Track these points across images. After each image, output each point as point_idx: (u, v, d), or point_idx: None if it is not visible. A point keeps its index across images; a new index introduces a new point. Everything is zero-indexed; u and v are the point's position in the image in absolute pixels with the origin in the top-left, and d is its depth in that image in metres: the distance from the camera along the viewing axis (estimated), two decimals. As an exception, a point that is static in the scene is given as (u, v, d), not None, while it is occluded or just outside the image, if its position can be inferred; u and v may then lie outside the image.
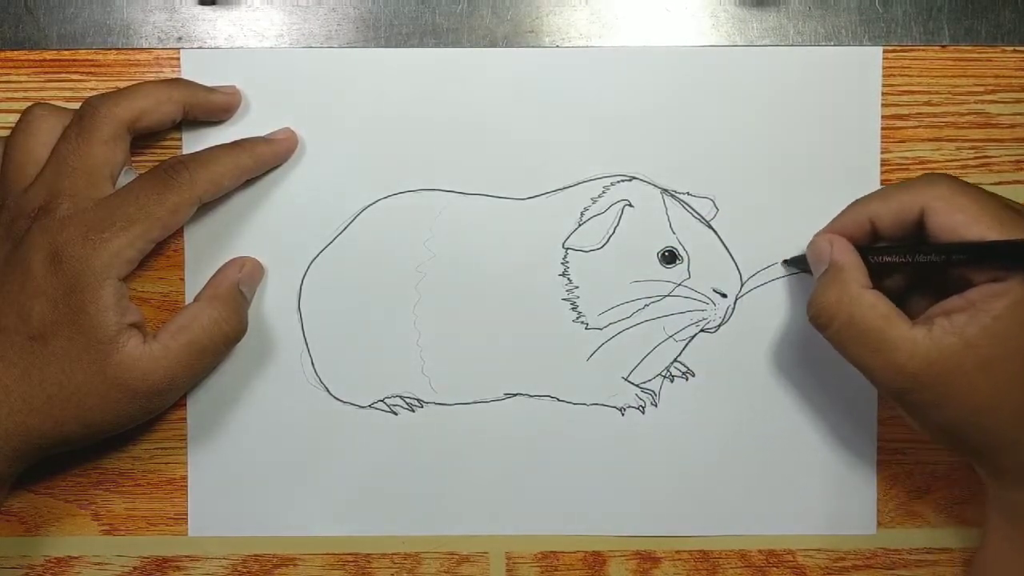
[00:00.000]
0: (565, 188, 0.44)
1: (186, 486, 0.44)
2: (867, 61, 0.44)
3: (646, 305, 0.44)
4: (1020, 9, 0.44)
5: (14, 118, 0.41)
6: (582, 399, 0.44)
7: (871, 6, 0.44)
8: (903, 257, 0.38)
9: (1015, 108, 0.44)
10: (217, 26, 0.44)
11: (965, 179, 0.43)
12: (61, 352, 0.38)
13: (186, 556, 0.44)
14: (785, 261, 0.43)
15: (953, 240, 0.36)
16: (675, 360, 0.44)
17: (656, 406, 0.44)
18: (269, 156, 0.43)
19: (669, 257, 0.43)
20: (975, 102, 0.44)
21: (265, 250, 0.44)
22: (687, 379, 0.44)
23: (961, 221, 0.36)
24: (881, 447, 0.44)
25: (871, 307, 0.37)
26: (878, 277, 0.39)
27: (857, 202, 0.40)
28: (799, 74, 0.44)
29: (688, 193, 0.44)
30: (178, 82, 0.42)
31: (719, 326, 0.44)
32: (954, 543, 0.44)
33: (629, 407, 0.44)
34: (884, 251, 0.39)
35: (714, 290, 0.44)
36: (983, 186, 0.44)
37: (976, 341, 0.35)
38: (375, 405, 0.44)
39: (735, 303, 0.44)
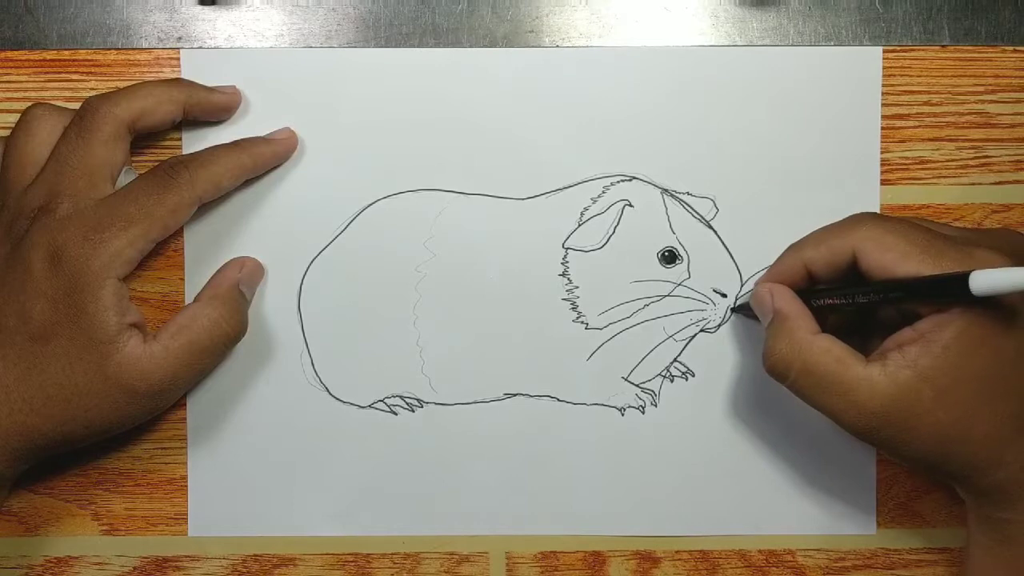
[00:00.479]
0: (565, 188, 0.44)
1: (186, 486, 0.44)
2: (867, 61, 0.44)
3: (646, 305, 0.44)
4: (1020, 9, 0.44)
5: (14, 118, 0.41)
6: (582, 399, 0.44)
7: (871, 6, 0.44)
8: (843, 299, 0.38)
9: (1015, 108, 0.44)
10: (217, 26, 0.44)
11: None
12: (61, 352, 0.38)
13: (186, 556, 0.44)
14: (734, 308, 0.43)
15: (886, 278, 0.36)
16: (675, 360, 0.44)
17: (656, 406, 0.44)
18: (269, 156, 0.43)
19: (669, 257, 0.43)
20: (975, 102, 0.44)
21: (265, 250, 0.44)
22: (687, 379, 0.44)
23: (891, 259, 0.36)
24: (881, 447, 0.44)
25: (824, 352, 0.37)
26: (824, 319, 0.39)
27: (791, 248, 0.40)
28: (799, 74, 0.44)
29: (688, 193, 0.44)
30: (178, 82, 0.42)
31: (719, 326, 0.44)
32: (954, 543, 0.44)
33: (629, 407, 0.44)
34: (823, 294, 0.39)
35: (714, 290, 0.44)
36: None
37: (930, 373, 0.35)
38: (375, 405, 0.44)
39: (735, 303, 0.44)
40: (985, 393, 0.35)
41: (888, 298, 0.36)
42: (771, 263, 0.42)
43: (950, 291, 0.34)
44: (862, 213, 0.39)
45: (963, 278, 0.33)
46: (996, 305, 0.35)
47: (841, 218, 0.40)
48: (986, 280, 0.32)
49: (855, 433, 0.37)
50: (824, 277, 0.39)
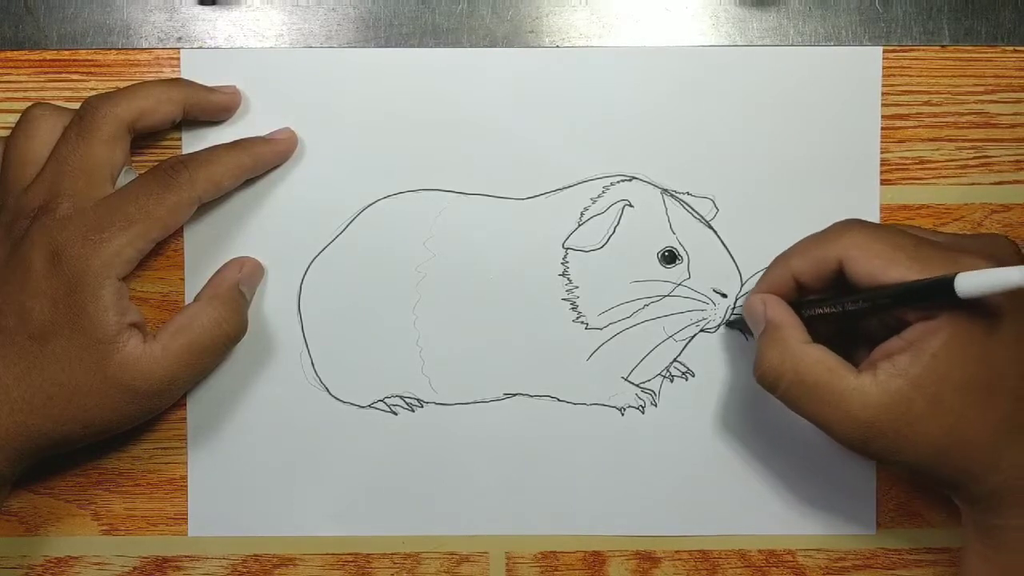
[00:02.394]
0: (565, 188, 0.44)
1: (186, 486, 0.44)
2: (867, 61, 0.44)
3: (646, 305, 0.44)
4: (1020, 9, 0.44)
5: (14, 118, 0.41)
6: (582, 399, 0.44)
7: (871, 6, 0.44)
8: (832, 308, 0.38)
9: (1015, 108, 0.44)
10: (217, 26, 0.44)
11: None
12: (61, 352, 0.38)
13: (186, 556, 0.44)
14: (726, 323, 0.43)
15: (873, 285, 0.36)
16: (675, 360, 0.44)
17: (656, 406, 0.44)
18: (269, 156, 0.43)
19: (669, 257, 0.43)
20: (975, 102, 0.44)
21: (265, 250, 0.44)
22: (687, 379, 0.44)
23: (878, 266, 0.36)
24: (881, 447, 0.44)
25: (816, 362, 0.37)
26: (815, 330, 0.39)
27: (778, 260, 0.40)
28: (799, 74, 0.44)
29: (688, 193, 0.44)
30: (178, 82, 0.42)
31: (719, 326, 0.44)
32: (954, 543, 0.44)
33: (629, 407, 0.44)
34: (814, 304, 0.39)
35: (714, 290, 0.44)
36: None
37: (921, 381, 0.35)
38: (375, 405, 0.44)
39: (735, 303, 0.44)
40: (976, 398, 0.35)
41: (877, 305, 0.36)
42: (764, 269, 0.42)
43: (937, 295, 0.34)
44: (847, 220, 0.39)
45: (949, 281, 0.33)
46: (982, 310, 0.35)
47: (839, 219, 0.40)
48: (972, 282, 0.32)
49: (847, 444, 0.37)
50: (813, 287, 0.39)
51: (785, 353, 0.37)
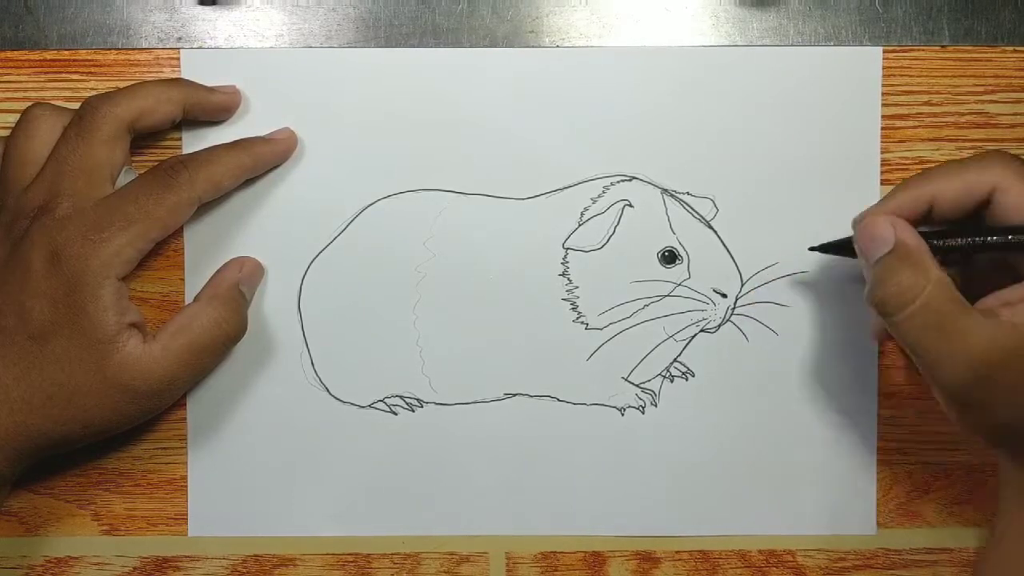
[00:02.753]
0: (565, 188, 0.44)
1: (186, 486, 0.44)
2: (867, 61, 0.44)
3: (646, 305, 0.44)
4: (1020, 9, 0.44)
5: (14, 118, 0.41)
6: (582, 399, 0.44)
7: (871, 6, 0.44)
8: (969, 240, 0.36)
9: (1015, 108, 0.44)
10: (217, 26, 0.44)
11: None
12: (61, 352, 0.38)
13: (186, 556, 0.44)
14: (813, 247, 0.41)
15: (1018, 221, 0.34)
16: (675, 360, 0.44)
17: (656, 406, 0.44)
18: (269, 156, 0.43)
19: (669, 257, 0.43)
20: (975, 102, 0.44)
21: (265, 250, 0.44)
22: (687, 379, 0.44)
23: None
24: (881, 447, 0.44)
25: (948, 291, 0.35)
26: None
27: (916, 179, 0.38)
28: (799, 74, 0.44)
29: (688, 193, 0.44)
30: (178, 82, 0.42)
31: (719, 326, 0.44)
32: (954, 543, 0.44)
33: (629, 407, 0.44)
34: (948, 234, 0.37)
35: (714, 290, 0.44)
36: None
37: None
38: (375, 405, 0.44)
39: (735, 303, 0.44)
40: None
41: (1011, 243, 0.35)
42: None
43: None
44: (994, 151, 0.36)
45: None
46: None
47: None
48: None
49: (951, 384, 0.34)
50: (947, 215, 0.37)
51: (919, 277, 0.35)
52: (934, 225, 0.38)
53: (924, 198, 0.37)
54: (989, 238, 0.36)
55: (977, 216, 0.37)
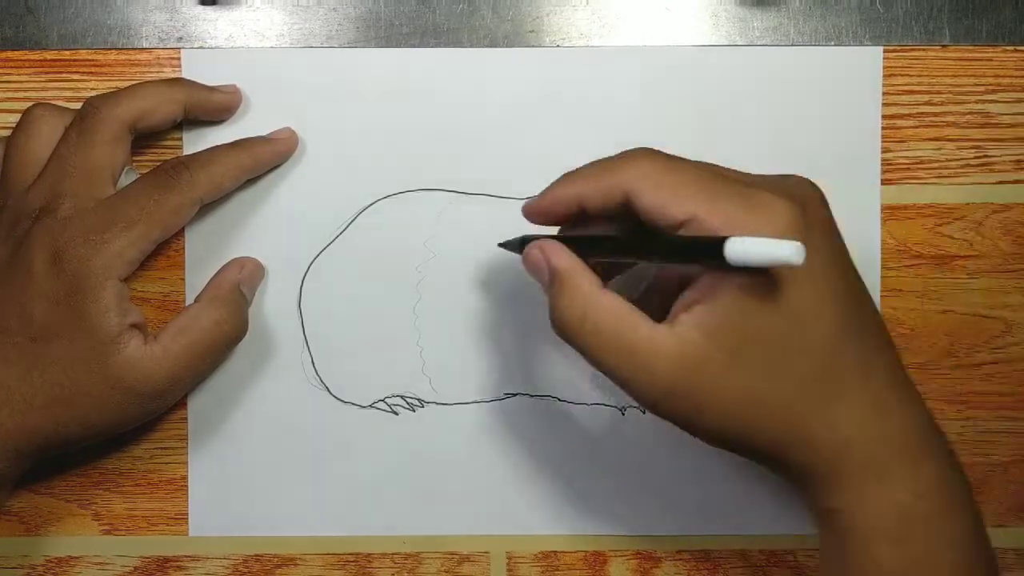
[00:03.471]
0: (565, 188, 0.44)
1: (186, 486, 0.44)
2: (867, 61, 0.44)
3: (646, 305, 0.43)
4: (1020, 9, 0.44)
5: (14, 118, 0.41)
6: (582, 399, 0.44)
7: (871, 6, 0.44)
8: (611, 258, 0.35)
9: (1015, 108, 0.44)
10: (217, 26, 0.44)
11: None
12: (62, 353, 0.38)
13: (186, 556, 0.44)
14: (501, 243, 0.40)
15: (660, 219, 0.33)
16: (675, 360, 0.44)
17: (656, 406, 0.44)
18: (269, 156, 0.43)
19: (669, 257, 0.43)
20: (975, 102, 0.44)
21: (265, 250, 0.44)
22: (687, 379, 0.44)
23: (666, 199, 0.32)
24: (881, 447, 0.44)
25: (609, 310, 0.33)
26: (607, 277, 0.36)
27: (565, 179, 0.36)
28: (799, 74, 0.44)
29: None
30: (179, 82, 0.42)
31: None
32: (954, 543, 0.44)
33: (629, 407, 0.44)
34: (591, 253, 0.35)
35: (714, 290, 0.43)
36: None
37: (717, 332, 0.32)
38: (375, 405, 0.44)
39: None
40: (776, 356, 0.32)
41: (651, 261, 0.33)
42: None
43: (708, 256, 0.30)
44: (638, 148, 0.34)
45: (718, 244, 0.29)
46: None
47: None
48: (742, 250, 0.29)
49: (646, 404, 0.33)
50: (599, 214, 0.35)
51: (576, 301, 0.34)
52: (597, 223, 0.36)
53: (573, 200, 0.35)
54: (624, 260, 0.34)
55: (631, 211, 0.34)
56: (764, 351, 0.32)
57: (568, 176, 0.36)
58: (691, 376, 0.32)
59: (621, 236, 0.35)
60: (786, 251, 0.29)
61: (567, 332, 0.34)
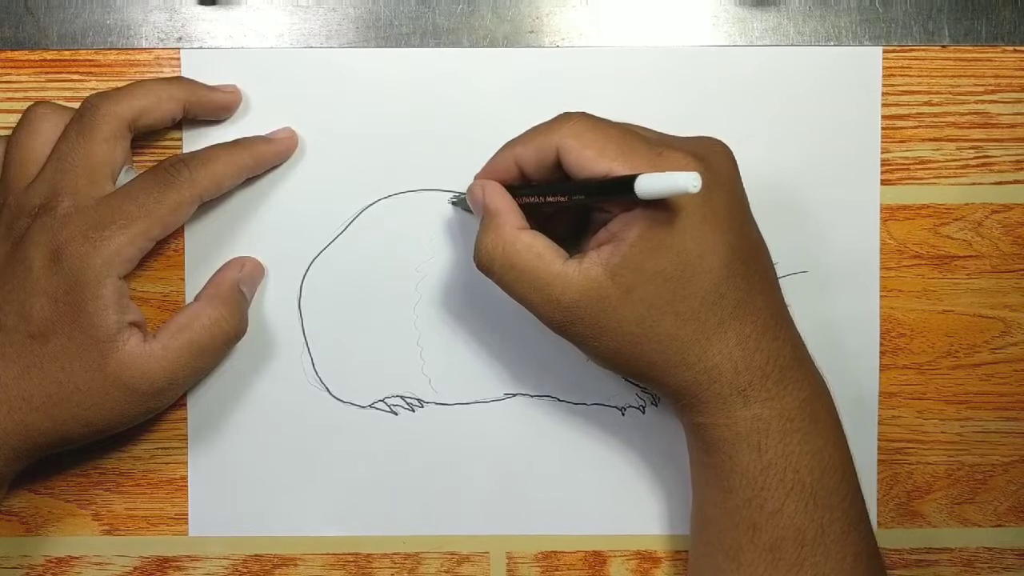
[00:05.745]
0: (565, 188, 0.44)
1: (186, 486, 0.44)
2: (867, 61, 0.44)
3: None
4: (1020, 9, 0.44)
5: (14, 118, 0.42)
6: (582, 399, 0.44)
7: (871, 6, 0.44)
8: (537, 198, 0.38)
9: (1015, 108, 0.44)
10: (217, 26, 0.44)
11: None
12: (61, 351, 0.38)
13: (186, 556, 0.44)
14: (452, 201, 0.44)
15: (585, 175, 0.37)
16: (675, 360, 0.44)
17: (656, 406, 0.44)
18: (269, 155, 0.43)
19: (669, 257, 0.43)
20: (975, 102, 0.44)
21: (265, 250, 0.44)
22: (687, 379, 0.44)
23: (589, 157, 0.36)
24: (881, 447, 0.44)
25: (527, 247, 0.37)
26: (551, 221, 0.40)
27: (505, 145, 0.40)
28: (799, 74, 0.44)
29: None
30: (179, 80, 0.42)
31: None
32: (954, 543, 0.44)
33: (629, 407, 0.44)
34: (523, 192, 0.39)
35: (714, 290, 0.43)
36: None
37: (618, 270, 0.36)
38: (375, 405, 0.44)
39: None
40: (667, 293, 0.36)
41: (573, 199, 0.37)
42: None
43: (623, 193, 0.34)
44: (572, 112, 0.38)
45: (630, 181, 0.33)
46: (678, 207, 0.35)
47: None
48: (649, 184, 0.33)
49: (551, 327, 0.38)
50: (535, 174, 0.39)
51: (498, 238, 0.38)
52: (535, 181, 0.40)
53: (511, 162, 0.39)
54: (548, 196, 0.38)
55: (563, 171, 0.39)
56: (656, 289, 0.36)
57: (508, 142, 0.40)
58: (589, 306, 0.36)
59: (554, 182, 0.39)
60: (682, 180, 0.32)
61: (484, 264, 0.38)
